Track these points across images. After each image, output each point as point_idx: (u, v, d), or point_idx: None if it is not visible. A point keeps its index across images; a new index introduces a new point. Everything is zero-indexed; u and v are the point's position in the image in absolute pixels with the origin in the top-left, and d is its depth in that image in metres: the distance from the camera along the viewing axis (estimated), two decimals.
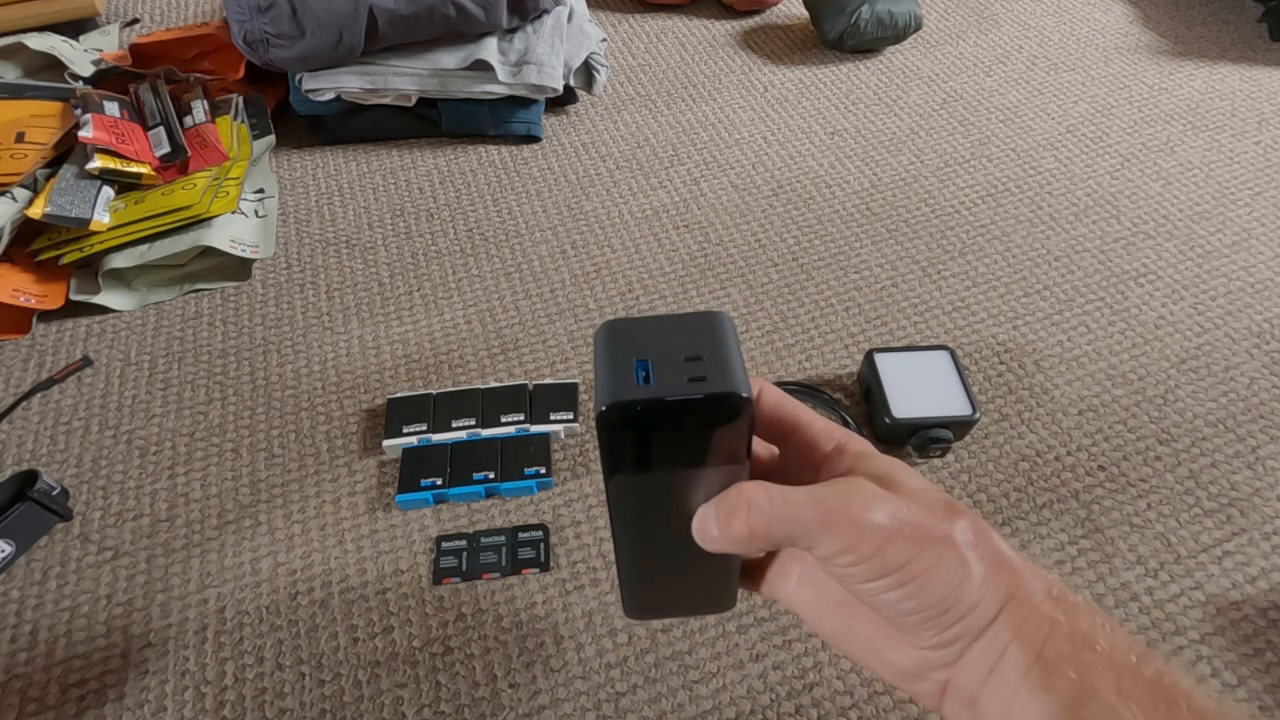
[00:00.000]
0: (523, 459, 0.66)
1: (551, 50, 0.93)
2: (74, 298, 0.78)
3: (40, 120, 0.83)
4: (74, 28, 1.07)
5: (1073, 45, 1.14)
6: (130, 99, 0.88)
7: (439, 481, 0.64)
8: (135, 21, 1.16)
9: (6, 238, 0.75)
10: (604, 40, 1.03)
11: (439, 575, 0.61)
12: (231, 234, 0.80)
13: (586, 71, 0.99)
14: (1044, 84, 1.07)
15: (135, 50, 0.96)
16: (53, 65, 0.95)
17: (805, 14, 1.17)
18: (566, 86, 0.97)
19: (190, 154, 0.84)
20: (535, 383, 0.71)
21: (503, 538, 0.62)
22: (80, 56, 0.96)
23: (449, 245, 0.86)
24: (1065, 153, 0.97)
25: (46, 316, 0.78)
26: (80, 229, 0.77)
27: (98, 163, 0.78)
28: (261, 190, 0.89)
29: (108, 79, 0.92)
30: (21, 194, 0.77)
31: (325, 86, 0.90)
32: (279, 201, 0.90)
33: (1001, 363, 0.75)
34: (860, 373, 0.72)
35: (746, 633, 0.58)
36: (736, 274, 0.83)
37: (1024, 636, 0.24)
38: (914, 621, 0.25)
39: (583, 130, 1.00)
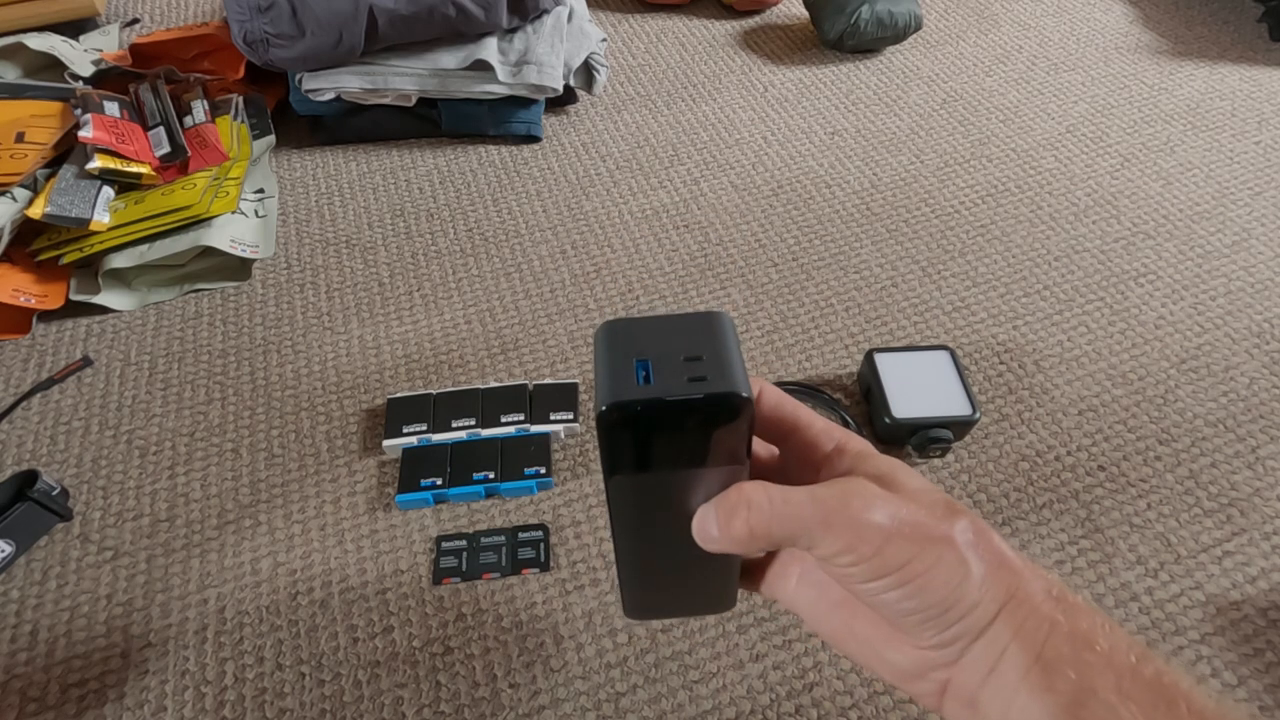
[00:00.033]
0: (523, 459, 0.66)
1: (551, 50, 0.93)
2: (74, 298, 0.78)
3: (40, 120, 0.83)
4: (74, 28, 1.07)
5: (1073, 45, 1.14)
6: (130, 99, 0.88)
7: (439, 481, 0.64)
8: (135, 21, 1.16)
9: (6, 238, 0.75)
10: (604, 40, 1.03)
11: (439, 575, 0.61)
12: (231, 234, 0.80)
13: (586, 71, 0.99)
14: (1044, 84, 1.07)
15: (135, 50, 0.96)
16: (53, 65, 0.95)
17: (805, 14, 1.17)
18: (566, 86, 0.97)
19: (190, 154, 0.84)
20: (535, 383, 0.71)
21: (503, 538, 0.62)
22: (80, 56, 0.96)
23: (449, 245, 0.86)
24: (1065, 153, 0.97)
25: (46, 316, 0.78)
26: (80, 229, 0.77)
27: (98, 163, 0.78)
28: (261, 190, 0.89)
29: (108, 79, 0.92)
30: (21, 194, 0.77)
31: (325, 86, 0.90)
32: (279, 201, 0.90)
33: (1001, 363, 0.75)
34: (860, 373, 0.72)
35: (746, 633, 0.58)
36: (736, 274, 0.83)
37: (1024, 636, 0.24)
38: (914, 621, 0.25)
39: (583, 130, 1.00)
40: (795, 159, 0.96)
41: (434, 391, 0.70)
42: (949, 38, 1.15)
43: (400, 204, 0.90)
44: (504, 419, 0.68)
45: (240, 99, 0.92)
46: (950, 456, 0.68)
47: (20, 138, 0.81)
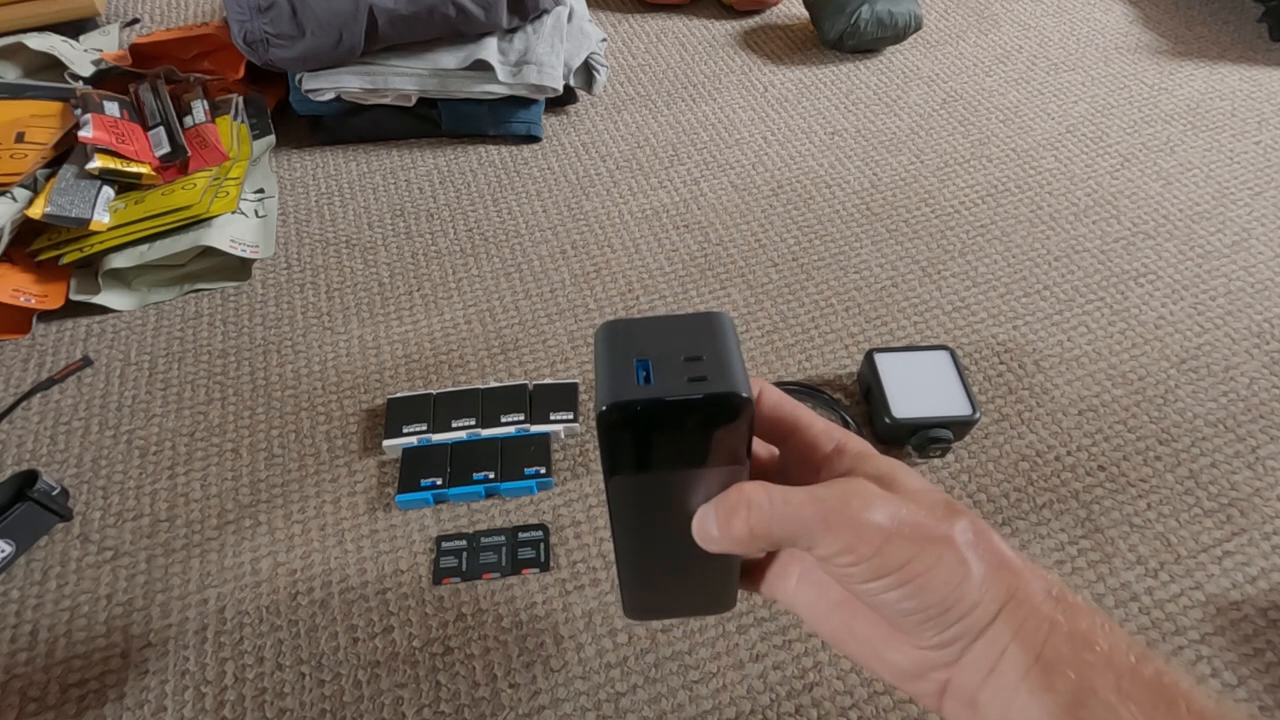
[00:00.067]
0: (523, 459, 0.66)
1: (551, 50, 0.93)
2: (74, 298, 0.78)
3: (40, 120, 0.83)
4: (74, 28, 1.07)
5: (1073, 45, 1.14)
6: (130, 99, 0.88)
7: (439, 481, 0.64)
8: (135, 21, 1.16)
9: (6, 238, 0.75)
10: (604, 40, 1.03)
11: (439, 575, 0.61)
12: (231, 234, 0.80)
13: (586, 71, 0.99)
14: (1044, 84, 1.07)
15: (135, 50, 0.96)
16: (53, 65, 0.95)
17: (805, 14, 1.17)
18: (566, 86, 0.97)
19: (190, 154, 0.84)
20: (535, 383, 0.71)
21: (503, 538, 0.62)
22: (80, 56, 0.96)
23: (449, 245, 0.86)
24: (1065, 153, 0.97)
25: (46, 316, 0.78)
26: (80, 229, 0.77)
27: (98, 163, 0.78)
28: (261, 190, 0.89)
29: (108, 79, 0.92)
30: (21, 194, 0.77)
31: (325, 86, 0.90)
32: (279, 201, 0.90)
33: (1001, 363, 0.75)
34: (860, 373, 0.72)
35: (746, 633, 0.58)
36: (736, 274, 0.83)
37: (1024, 637, 0.24)
38: (914, 621, 0.25)
39: (583, 130, 1.00)
40: (795, 159, 0.96)
41: (434, 391, 0.70)
42: (949, 38, 1.15)
43: (400, 204, 0.90)
44: (504, 419, 0.68)
45: (240, 99, 0.92)
46: (950, 456, 0.68)
47: (20, 138, 0.81)
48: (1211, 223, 0.88)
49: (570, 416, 0.68)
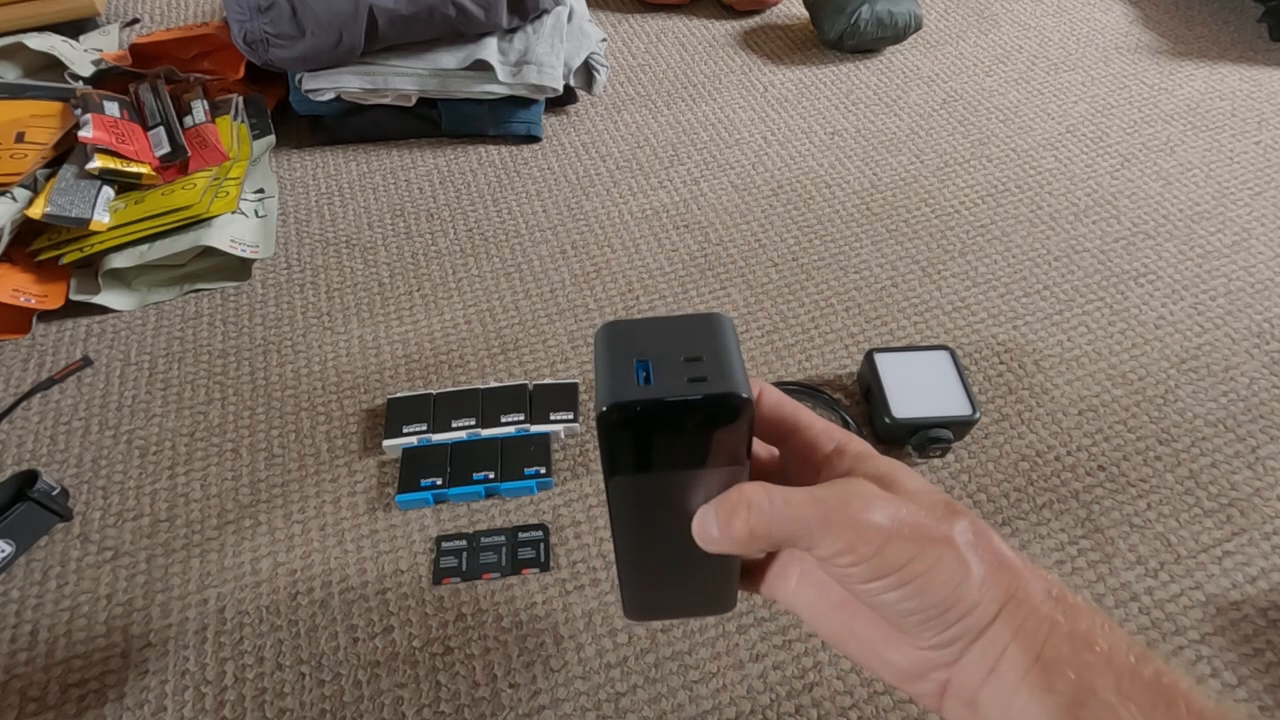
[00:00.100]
0: (523, 459, 0.66)
1: (551, 50, 0.93)
2: (74, 298, 0.78)
3: (40, 120, 0.83)
4: (74, 28, 1.07)
5: (1073, 45, 1.14)
6: (130, 99, 0.88)
7: (439, 481, 0.64)
8: (135, 21, 1.16)
9: (6, 238, 0.75)
10: (604, 40, 1.03)
11: (439, 575, 0.61)
12: (231, 234, 0.80)
13: (586, 71, 0.99)
14: (1044, 84, 1.07)
15: (135, 50, 0.96)
16: (53, 65, 0.95)
17: (805, 14, 1.17)
18: (566, 86, 0.97)
19: (190, 154, 0.84)
20: (535, 383, 0.71)
21: (503, 538, 0.62)
22: (80, 56, 0.96)
23: (449, 245, 0.86)
24: (1065, 153, 0.97)
25: (46, 316, 0.78)
26: (80, 229, 0.77)
27: (98, 163, 0.78)
28: (261, 190, 0.89)
29: (108, 79, 0.92)
30: (21, 194, 0.77)
31: (325, 86, 0.90)
32: (279, 201, 0.90)
33: (1001, 363, 0.75)
34: (860, 373, 0.72)
35: (746, 633, 0.58)
36: (736, 274, 0.83)
37: (1024, 637, 0.24)
38: (914, 622, 0.25)
39: (583, 130, 1.00)
40: (795, 159, 0.96)
41: (434, 391, 0.70)
42: (949, 38, 1.15)
43: (400, 204, 0.90)
44: (504, 419, 0.68)
45: (240, 99, 0.92)
46: (950, 456, 0.68)
47: (20, 138, 0.81)
48: (1211, 223, 0.88)
49: (570, 416, 0.68)
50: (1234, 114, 1.02)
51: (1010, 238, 0.87)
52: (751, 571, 0.32)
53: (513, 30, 0.94)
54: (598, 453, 0.61)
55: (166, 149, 0.84)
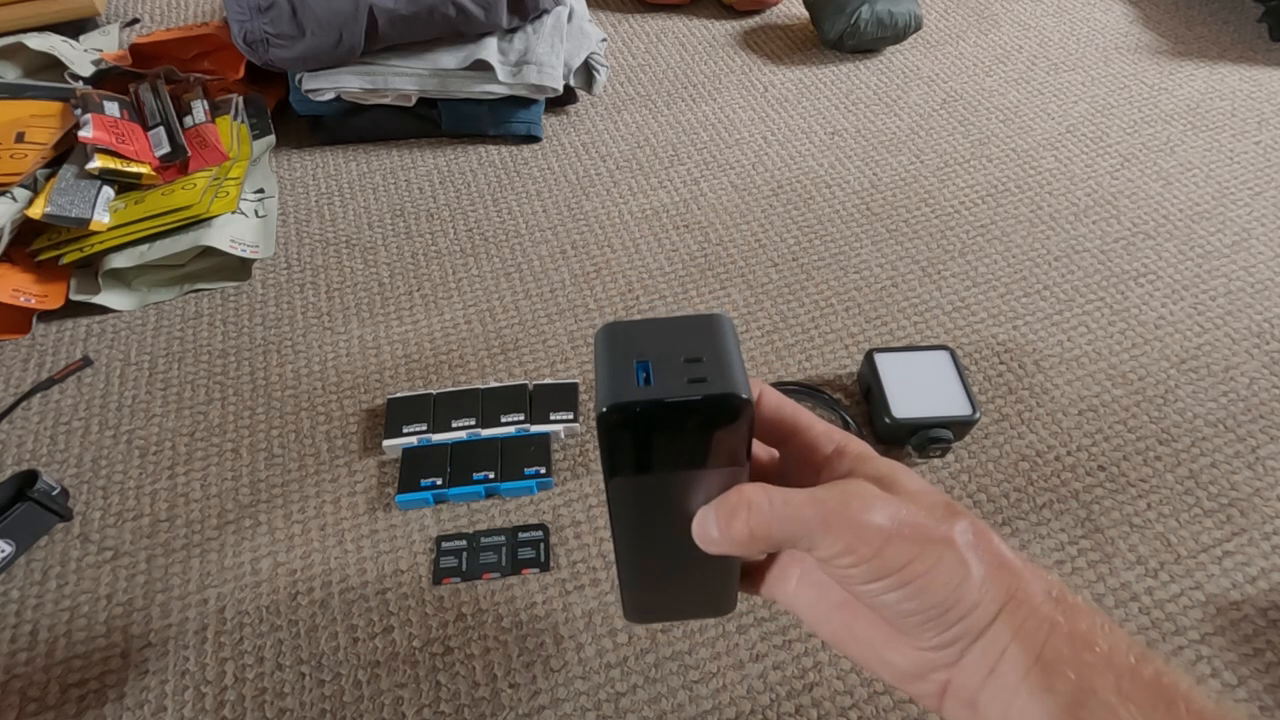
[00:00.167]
0: (523, 459, 0.66)
1: (551, 50, 0.93)
2: (74, 298, 0.78)
3: (40, 120, 0.83)
4: (74, 28, 1.07)
5: (1073, 45, 1.14)
6: (130, 99, 0.88)
7: (439, 481, 0.64)
8: (135, 21, 1.16)
9: (6, 238, 0.75)
10: (604, 40, 1.03)
11: (439, 575, 0.61)
12: (231, 234, 0.80)
13: (586, 71, 0.99)
14: (1044, 84, 1.07)
15: (135, 50, 0.96)
16: (53, 65, 0.95)
17: (805, 14, 1.17)
18: (566, 86, 0.97)
19: (190, 154, 0.84)
20: (535, 383, 0.71)
21: (503, 538, 0.62)
22: (80, 56, 0.96)
23: (449, 245, 0.86)
24: (1065, 153, 0.97)
25: (46, 316, 0.78)
26: (80, 229, 0.77)
27: (98, 163, 0.78)
28: (261, 190, 0.89)
29: (108, 79, 0.92)
30: (21, 194, 0.77)
31: (325, 86, 0.90)
32: (279, 201, 0.90)
33: (1001, 363, 0.75)
34: (860, 373, 0.72)
35: (746, 633, 0.58)
36: (736, 274, 0.83)
37: (1024, 637, 0.24)
38: (914, 622, 0.25)
39: (583, 130, 1.00)
40: (795, 159, 0.96)
41: (434, 391, 0.70)
42: (949, 38, 1.15)
43: (400, 204, 0.90)
44: (504, 419, 0.68)
45: (240, 99, 0.92)
46: (950, 456, 0.68)
47: (20, 138, 0.81)
48: (1211, 223, 0.88)
49: (570, 416, 0.68)
50: (1234, 114, 1.02)
51: (1010, 238, 0.87)
52: (751, 573, 0.32)
53: (513, 30, 0.94)
54: (598, 453, 0.61)
55: (166, 149, 0.84)
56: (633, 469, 0.26)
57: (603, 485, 0.31)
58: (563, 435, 0.69)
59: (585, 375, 0.74)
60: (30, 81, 0.92)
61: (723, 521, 0.26)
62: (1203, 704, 0.23)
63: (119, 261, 0.77)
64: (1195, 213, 0.89)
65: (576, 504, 0.65)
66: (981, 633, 0.25)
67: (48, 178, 0.79)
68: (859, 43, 1.08)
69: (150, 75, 0.91)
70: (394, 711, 0.54)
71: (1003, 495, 0.66)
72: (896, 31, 1.07)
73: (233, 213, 0.81)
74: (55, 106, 0.85)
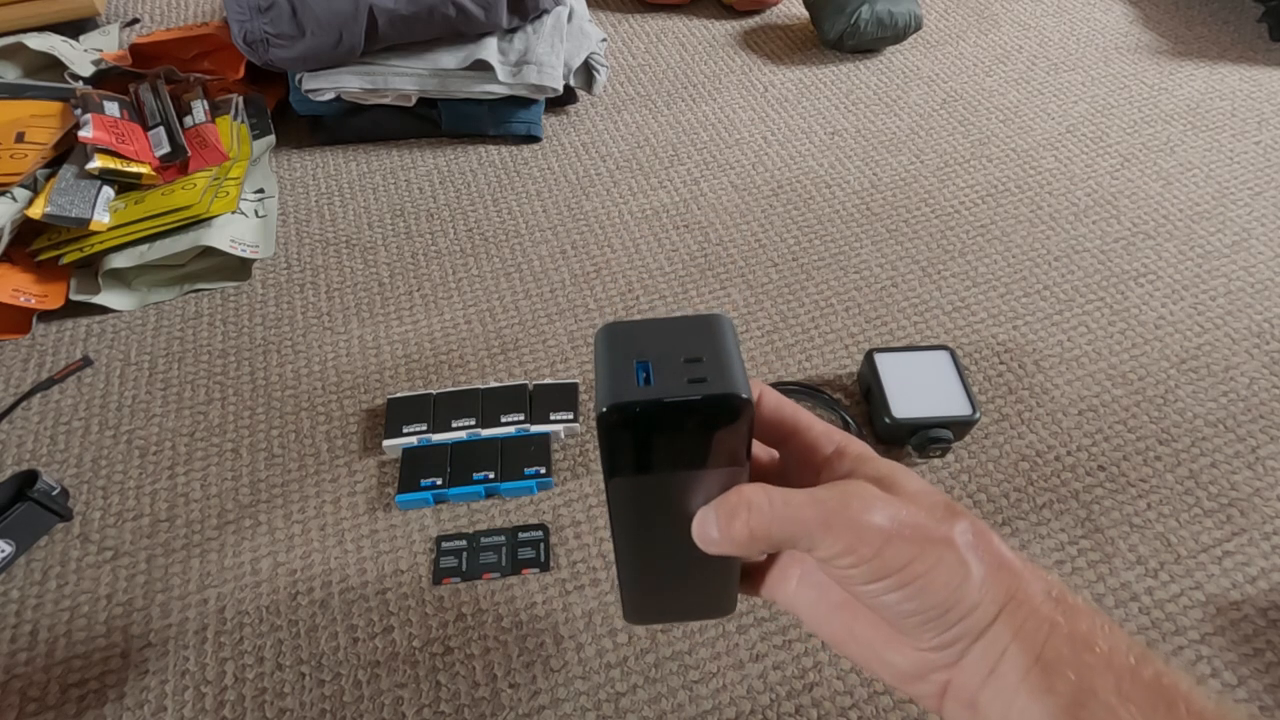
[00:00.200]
0: (523, 459, 0.66)
1: (551, 50, 0.93)
2: (74, 298, 0.78)
3: (40, 120, 0.83)
4: (74, 28, 1.07)
5: (1073, 45, 1.14)
6: (130, 99, 0.88)
7: (439, 481, 0.64)
8: (135, 21, 1.16)
9: (6, 238, 0.75)
10: (604, 40, 1.03)
11: (439, 575, 0.61)
12: (231, 234, 0.80)
13: (586, 71, 0.99)
14: (1044, 84, 1.07)
15: (135, 50, 0.96)
16: (53, 65, 0.94)
17: (805, 14, 1.17)
18: (566, 86, 0.97)
19: (190, 154, 0.84)
20: (535, 383, 0.71)
21: (503, 538, 0.62)
22: (80, 56, 0.96)
23: (449, 245, 0.86)
24: (1065, 153, 0.97)
25: (46, 316, 0.78)
26: (80, 229, 0.77)
27: (98, 163, 0.78)
28: (261, 190, 0.89)
29: (108, 79, 0.92)
30: (21, 194, 0.77)
31: (325, 86, 0.90)
32: (279, 201, 0.90)
33: (1001, 363, 0.75)
34: (860, 373, 0.72)
35: (746, 633, 0.58)
36: (736, 274, 0.83)
37: (1024, 638, 0.24)
38: (914, 623, 0.25)
39: (583, 130, 1.00)
40: (795, 159, 0.96)
41: (434, 391, 0.70)
42: (949, 38, 1.15)
43: (400, 204, 0.90)
44: (504, 419, 0.68)
45: (240, 99, 0.92)
46: (950, 456, 0.68)
47: (20, 138, 0.81)
48: (1211, 223, 0.88)
49: (570, 416, 0.68)
50: (1234, 114, 1.02)
51: (1010, 238, 0.87)
52: (751, 574, 0.32)
53: (513, 30, 0.94)
54: (598, 453, 0.61)
55: (166, 149, 0.84)
56: (633, 469, 0.26)
57: (603, 485, 0.31)
58: (563, 435, 0.69)
59: (585, 375, 0.74)
60: (30, 81, 0.92)
61: (723, 522, 0.26)
62: (1203, 704, 0.23)
63: (119, 261, 0.77)
64: (1195, 213, 0.89)
65: (576, 504, 0.65)
66: (981, 633, 0.25)
67: (48, 178, 0.79)
68: (859, 43, 1.08)
69: (150, 75, 0.91)
70: (394, 711, 0.54)
71: (1003, 495, 0.66)
72: (896, 31, 1.07)
73: (233, 213, 0.81)
74: (55, 106, 0.85)
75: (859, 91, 1.06)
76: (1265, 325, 0.78)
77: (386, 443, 0.67)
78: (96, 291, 0.78)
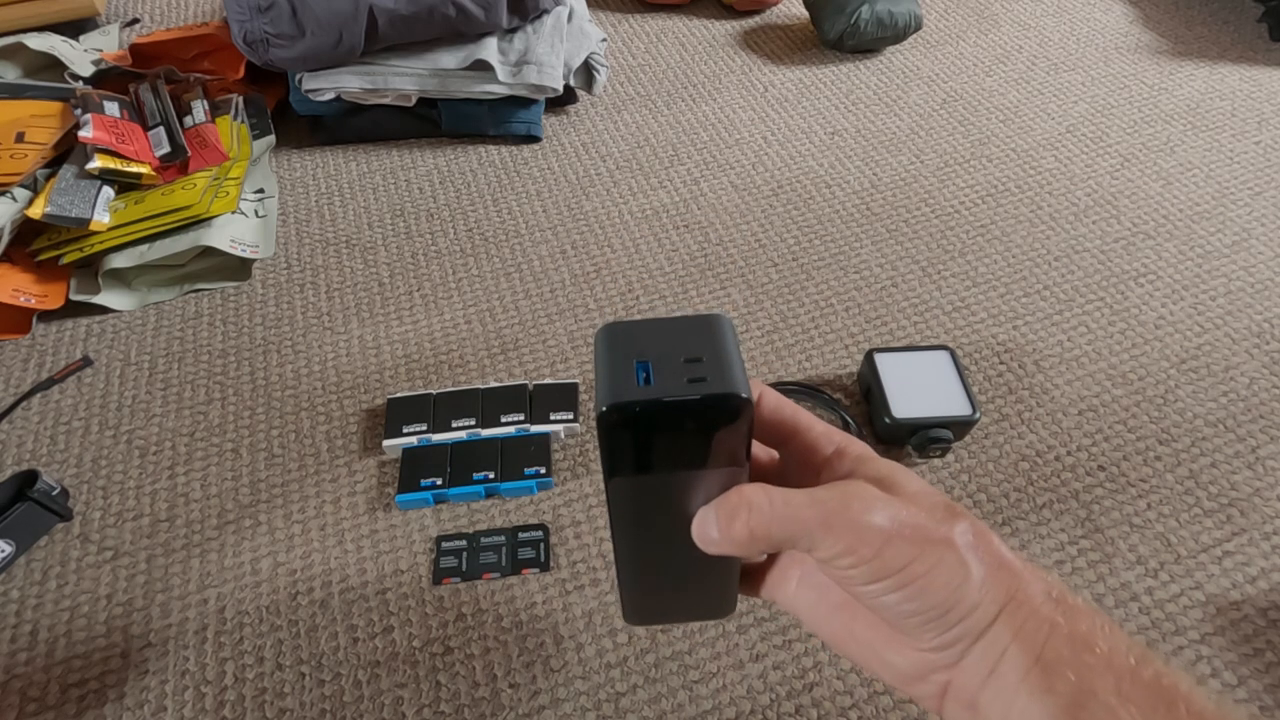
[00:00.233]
0: (523, 459, 0.66)
1: (551, 50, 0.93)
2: (74, 298, 0.78)
3: (40, 120, 0.83)
4: (74, 28, 1.07)
5: (1073, 45, 1.14)
6: (130, 99, 0.88)
7: (439, 481, 0.64)
8: (135, 21, 1.16)
9: (6, 238, 0.75)
10: (604, 40, 1.03)
11: (439, 575, 0.61)
12: (231, 234, 0.80)
13: (586, 71, 0.99)
14: (1044, 84, 1.07)
15: (135, 50, 0.96)
16: (53, 65, 0.94)
17: (805, 14, 1.17)
18: (566, 86, 0.97)
19: (190, 154, 0.84)
20: (535, 383, 0.71)
21: (503, 538, 0.62)
22: (80, 56, 0.96)
23: (449, 245, 0.86)
24: (1065, 153, 0.97)
25: (46, 316, 0.78)
26: (80, 229, 0.77)
27: (98, 163, 0.78)
28: (261, 190, 0.89)
29: (108, 79, 0.92)
30: (21, 194, 0.77)
31: (325, 86, 0.90)
32: (279, 201, 0.90)
33: (1001, 363, 0.75)
34: (860, 373, 0.72)
35: (746, 633, 0.58)
36: (736, 274, 0.83)
37: (1024, 638, 0.24)
38: (914, 624, 0.25)
39: (583, 130, 1.00)
40: (795, 159, 0.96)
41: (434, 391, 0.70)
42: (949, 38, 1.15)
43: (400, 204, 0.90)
44: (504, 419, 0.68)
45: (240, 99, 0.92)
46: (950, 456, 0.68)
47: (20, 138, 0.81)
48: (1211, 223, 0.88)
49: (570, 416, 0.68)
50: (1234, 114, 1.02)
51: (1010, 238, 0.87)
52: (751, 574, 0.32)
53: (513, 30, 0.94)
54: (598, 453, 0.61)
55: (166, 149, 0.84)
56: (633, 469, 0.26)
57: (603, 485, 0.31)
58: (563, 435, 0.69)
59: (585, 375, 0.74)
60: (30, 81, 0.92)
61: (723, 522, 0.26)
62: (1203, 705, 0.23)
63: (119, 261, 0.77)
64: (1195, 213, 0.89)
65: (576, 504, 0.65)
66: (981, 634, 0.25)
67: (48, 178, 0.79)
68: (859, 43, 1.08)
69: (150, 75, 0.91)
70: (394, 711, 0.54)
71: (1003, 495, 0.66)
72: (896, 31, 1.07)
73: (233, 213, 0.81)
74: (55, 106, 0.85)
75: (859, 91, 1.06)
76: (1265, 325, 0.78)
77: (386, 443, 0.67)
78: (96, 291, 0.78)
